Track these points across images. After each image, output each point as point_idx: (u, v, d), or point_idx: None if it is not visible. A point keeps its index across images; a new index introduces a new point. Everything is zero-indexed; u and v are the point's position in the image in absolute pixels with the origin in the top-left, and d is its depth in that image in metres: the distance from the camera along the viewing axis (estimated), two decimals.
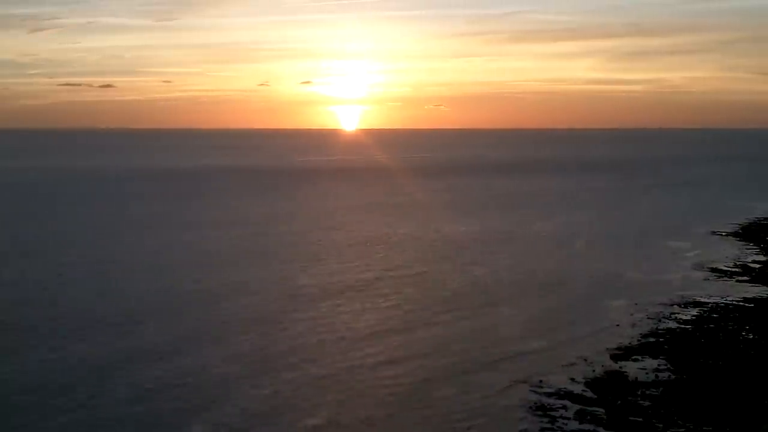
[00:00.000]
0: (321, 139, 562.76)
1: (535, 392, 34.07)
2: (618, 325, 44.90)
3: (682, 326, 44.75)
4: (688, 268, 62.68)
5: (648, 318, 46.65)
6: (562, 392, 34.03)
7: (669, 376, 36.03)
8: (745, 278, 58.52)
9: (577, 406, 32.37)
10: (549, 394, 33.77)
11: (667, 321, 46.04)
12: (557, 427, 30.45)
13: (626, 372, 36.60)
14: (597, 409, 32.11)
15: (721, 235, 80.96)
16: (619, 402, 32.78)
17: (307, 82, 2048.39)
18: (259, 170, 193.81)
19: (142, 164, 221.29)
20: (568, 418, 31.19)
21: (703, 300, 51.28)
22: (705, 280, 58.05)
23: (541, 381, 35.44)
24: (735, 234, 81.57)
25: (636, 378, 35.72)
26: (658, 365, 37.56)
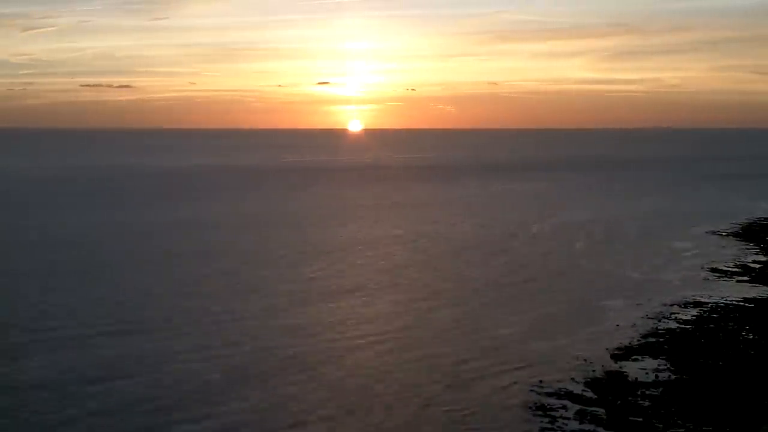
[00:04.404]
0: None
1: (535, 392, 34.05)
2: (618, 325, 44.90)
3: (682, 326, 44.74)
4: (688, 268, 62.68)
5: (648, 318, 46.64)
6: (562, 392, 34.02)
7: (669, 376, 36.02)
8: (745, 278, 58.52)
9: (577, 406, 32.36)
10: (549, 394, 33.75)
11: (667, 321, 46.03)
12: (557, 427, 30.44)
13: (626, 372, 36.59)
14: (597, 409, 32.10)
15: (721, 235, 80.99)
16: (619, 402, 32.76)
17: (325, 83, 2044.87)
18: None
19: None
20: (568, 418, 31.18)
21: (703, 300, 51.27)
22: (705, 280, 58.06)
23: (541, 381, 35.42)
24: (735, 234, 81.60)
25: (636, 378, 35.71)
26: (658, 365, 37.55)
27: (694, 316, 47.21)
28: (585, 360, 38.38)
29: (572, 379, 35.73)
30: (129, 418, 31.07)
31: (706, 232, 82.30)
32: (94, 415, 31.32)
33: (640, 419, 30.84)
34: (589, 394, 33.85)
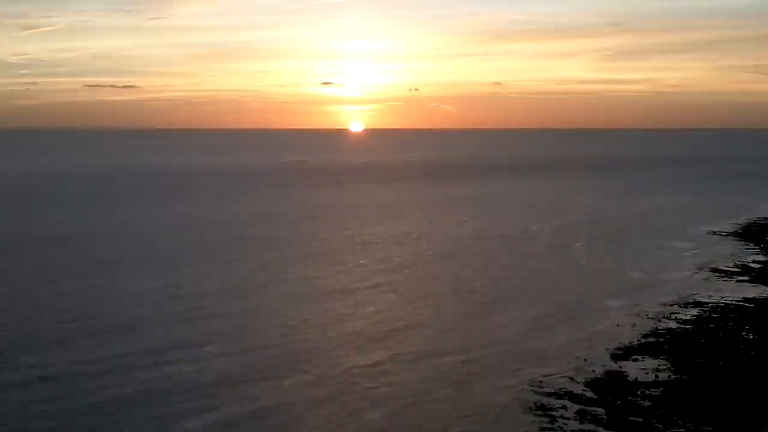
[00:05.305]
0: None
1: (535, 392, 34.03)
2: (618, 325, 44.88)
3: (682, 326, 44.73)
4: (688, 268, 62.66)
5: (648, 318, 46.63)
6: (562, 392, 34.00)
7: (669, 376, 36.01)
8: (745, 278, 58.51)
9: (577, 406, 32.34)
10: (549, 394, 33.73)
11: (667, 321, 46.02)
12: (557, 427, 30.42)
13: (626, 372, 36.58)
14: (597, 409, 32.09)
15: (721, 235, 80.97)
16: (619, 402, 32.75)
17: (329, 83, 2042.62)
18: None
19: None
20: (568, 418, 31.16)
21: (703, 300, 51.25)
22: (705, 280, 58.04)
23: (541, 381, 35.40)
24: (735, 234, 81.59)
25: (636, 378, 35.70)
26: (658, 365, 37.53)
27: (694, 316, 47.19)
28: (585, 360, 38.36)
29: (572, 379, 35.70)
30: (125, 417, 31.07)
31: (707, 232, 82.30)
32: (89, 413, 31.35)
33: (640, 419, 30.83)
34: (589, 394, 33.83)
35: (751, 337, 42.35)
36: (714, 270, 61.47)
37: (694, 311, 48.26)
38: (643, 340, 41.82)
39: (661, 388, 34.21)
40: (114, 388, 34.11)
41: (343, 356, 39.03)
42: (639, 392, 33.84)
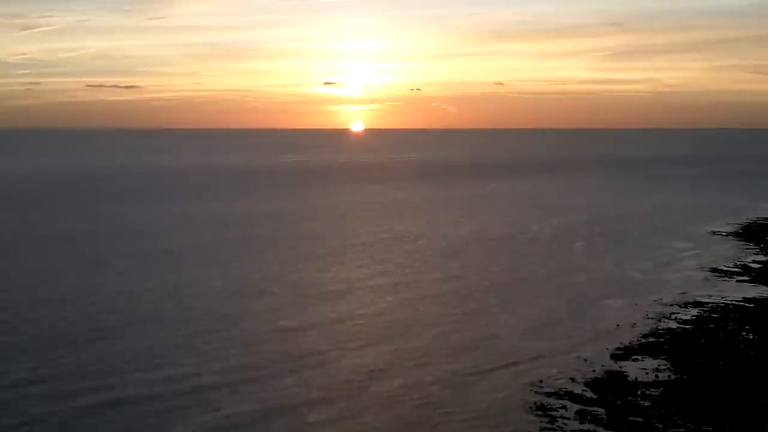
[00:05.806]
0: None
1: (535, 392, 34.07)
2: (618, 325, 44.91)
3: (682, 326, 44.76)
4: (688, 268, 62.69)
5: (648, 318, 46.66)
6: (562, 392, 34.03)
7: (669, 376, 36.04)
8: (745, 278, 58.53)
9: (577, 406, 32.37)
10: (549, 394, 33.77)
11: (667, 321, 46.05)
12: (557, 427, 30.45)
13: (626, 372, 36.61)
14: (597, 409, 32.12)
15: (721, 235, 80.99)
16: (619, 402, 32.79)
17: (331, 83, 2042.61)
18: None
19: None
20: (568, 418, 31.19)
21: (703, 300, 51.28)
22: (705, 280, 58.07)
23: (541, 381, 35.43)
24: (735, 234, 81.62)
25: (636, 378, 35.73)
26: (658, 365, 37.57)
27: (694, 316, 47.22)
28: (585, 360, 38.39)
29: (572, 379, 35.74)
30: (125, 417, 31.11)
31: (707, 232, 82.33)
32: (89, 413, 31.38)
33: (640, 419, 30.87)
34: (589, 394, 33.86)
35: (751, 337, 42.38)
36: (714, 270, 61.49)
37: (694, 311, 48.29)
38: (643, 340, 41.85)
39: (661, 388, 34.24)
40: (114, 388, 34.19)
41: (343, 357, 39.06)
42: (639, 392, 33.88)
